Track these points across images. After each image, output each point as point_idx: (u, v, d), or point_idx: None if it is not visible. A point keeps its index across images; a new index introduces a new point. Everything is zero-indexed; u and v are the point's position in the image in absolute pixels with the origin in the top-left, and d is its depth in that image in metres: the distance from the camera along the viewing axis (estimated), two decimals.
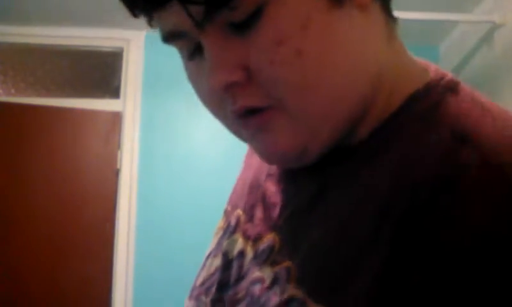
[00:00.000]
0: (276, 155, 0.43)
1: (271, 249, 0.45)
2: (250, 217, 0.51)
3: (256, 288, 0.44)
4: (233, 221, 0.53)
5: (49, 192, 2.65)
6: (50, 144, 2.72)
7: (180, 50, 0.46)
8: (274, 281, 0.42)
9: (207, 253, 0.55)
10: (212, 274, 0.51)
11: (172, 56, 2.98)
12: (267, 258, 0.45)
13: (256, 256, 0.47)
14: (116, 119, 2.83)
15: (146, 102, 2.86)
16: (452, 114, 0.40)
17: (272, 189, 0.51)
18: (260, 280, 0.44)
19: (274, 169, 0.52)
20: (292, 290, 0.40)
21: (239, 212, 0.54)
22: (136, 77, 2.88)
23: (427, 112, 0.41)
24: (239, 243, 0.50)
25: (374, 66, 0.42)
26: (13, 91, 2.97)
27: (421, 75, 0.45)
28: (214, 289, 0.49)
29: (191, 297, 0.52)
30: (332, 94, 0.40)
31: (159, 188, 2.74)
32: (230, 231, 0.53)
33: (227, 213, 0.57)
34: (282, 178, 0.50)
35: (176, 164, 2.79)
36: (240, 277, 0.47)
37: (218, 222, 0.59)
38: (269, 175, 0.52)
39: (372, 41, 0.42)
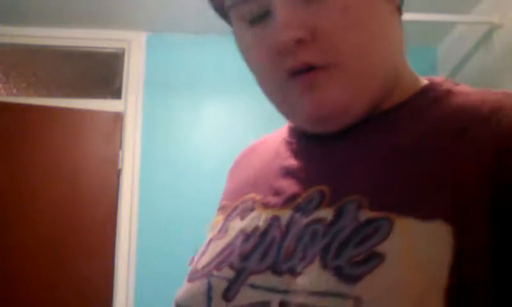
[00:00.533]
0: (321, 111, 0.49)
1: (322, 195, 0.48)
2: (275, 192, 0.53)
3: (316, 228, 0.46)
4: (246, 205, 0.55)
5: (50, 193, 2.66)
6: (52, 145, 2.73)
7: (241, 17, 0.52)
8: (339, 215, 0.45)
9: (207, 240, 0.57)
10: (220, 252, 0.52)
11: (173, 57, 3.02)
12: (318, 205, 0.48)
13: (299, 209, 0.49)
14: (117, 119, 2.84)
15: (147, 102, 2.88)
16: (468, 93, 0.50)
17: (294, 163, 0.55)
18: (317, 221, 0.46)
19: (287, 153, 0.57)
20: (368, 214, 0.43)
21: (252, 195, 0.56)
22: (138, 78, 2.89)
23: (447, 92, 0.51)
24: (266, 214, 0.51)
25: (398, 55, 0.53)
26: (14, 91, 2.98)
27: (417, 78, 0.56)
28: (232, 261, 0.50)
29: (193, 278, 0.53)
30: (379, 61, 0.50)
31: (161, 189, 2.75)
32: (238, 214, 0.55)
33: (225, 207, 0.59)
34: (301, 154, 0.55)
35: (177, 164, 2.80)
36: (284, 236, 0.48)
37: (213, 219, 0.60)
38: (284, 158, 0.57)
39: (397, 37, 0.53)
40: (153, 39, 2.97)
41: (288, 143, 0.59)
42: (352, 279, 0.40)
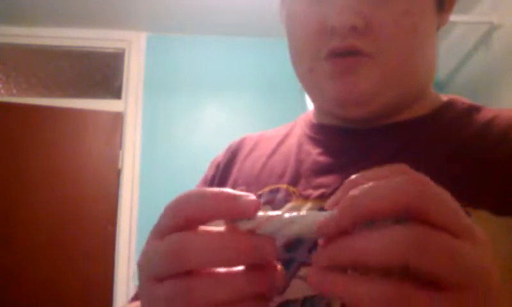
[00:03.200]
0: (352, 94, 0.51)
1: None
2: (316, 185, 0.53)
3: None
4: (276, 195, 0.55)
5: (51, 192, 2.66)
6: (52, 145, 2.73)
7: None
8: None
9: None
10: None
11: (173, 57, 3.02)
12: None
13: None
14: (117, 119, 2.84)
15: (147, 102, 2.88)
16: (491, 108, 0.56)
17: (329, 157, 0.56)
18: None
19: (316, 148, 0.58)
20: None
21: (283, 186, 0.55)
22: (138, 78, 2.90)
23: (470, 107, 0.56)
24: (308, 206, 0.51)
25: (432, 71, 0.57)
26: (14, 91, 2.99)
27: (436, 93, 0.60)
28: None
29: None
30: (414, 69, 0.53)
31: (161, 188, 2.75)
32: (267, 202, 0.54)
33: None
34: (333, 149, 0.57)
35: (177, 164, 2.80)
36: None
37: None
38: (316, 154, 0.57)
39: (435, 52, 0.57)
40: (153, 39, 2.97)
41: (313, 138, 0.59)
42: None
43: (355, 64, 0.51)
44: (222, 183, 0.63)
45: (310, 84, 0.56)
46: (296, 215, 0.32)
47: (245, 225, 0.33)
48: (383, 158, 0.52)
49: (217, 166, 0.68)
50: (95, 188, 2.72)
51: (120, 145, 2.80)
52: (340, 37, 0.50)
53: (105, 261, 2.66)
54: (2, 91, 2.97)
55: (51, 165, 2.69)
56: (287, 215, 0.32)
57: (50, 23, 2.85)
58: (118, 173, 2.77)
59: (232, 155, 0.67)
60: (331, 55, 0.51)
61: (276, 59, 2.88)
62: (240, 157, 0.65)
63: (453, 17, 2.28)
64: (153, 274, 0.33)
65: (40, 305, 2.52)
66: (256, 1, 2.64)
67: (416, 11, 0.51)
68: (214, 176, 0.67)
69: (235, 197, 0.32)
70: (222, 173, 0.65)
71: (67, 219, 2.64)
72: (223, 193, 0.32)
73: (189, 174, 2.92)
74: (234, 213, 0.32)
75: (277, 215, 0.33)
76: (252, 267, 0.32)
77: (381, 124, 0.55)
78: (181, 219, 0.33)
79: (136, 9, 2.76)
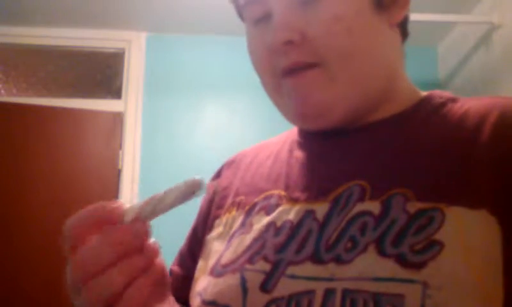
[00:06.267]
0: (305, 109, 0.54)
1: (362, 189, 0.50)
2: (303, 188, 0.55)
3: (365, 220, 0.48)
4: (270, 201, 0.57)
5: (51, 192, 2.66)
6: (52, 145, 2.73)
7: (249, 17, 0.58)
8: (387, 208, 0.48)
9: (229, 235, 0.58)
10: (250, 246, 0.53)
11: (173, 57, 3.02)
12: (360, 198, 0.50)
13: (338, 202, 0.51)
14: (117, 119, 2.84)
15: (147, 102, 2.88)
16: (473, 98, 0.55)
17: (315, 160, 0.58)
18: (364, 213, 0.48)
19: (304, 152, 0.60)
20: (418, 205, 0.46)
21: (276, 192, 0.57)
22: (138, 78, 2.90)
23: (452, 98, 0.56)
24: (296, 208, 0.53)
25: (392, 68, 0.57)
26: (14, 91, 2.99)
27: (416, 90, 0.60)
28: (266, 254, 0.51)
29: (220, 273, 0.53)
30: (364, 70, 0.53)
31: (161, 188, 2.72)
32: (262, 209, 0.56)
33: (241, 203, 0.60)
34: (319, 152, 0.58)
35: (177, 164, 2.81)
36: (323, 227, 0.50)
37: (226, 216, 0.61)
38: (304, 158, 0.60)
39: (392, 50, 0.57)
40: (153, 39, 2.98)
41: (302, 144, 0.61)
42: (417, 266, 0.43)
43: (304, 77, 0.52)
44: (226, 196, 0.65)
45: (277, 104, 0.59)
46: (164, 191, 0.42)
47: (128, 216, 0.42)
48: (361, 159, 0.54)
49: (218, 184, 0.68)
50: (95, 188, 2.73)
51: (120, 145, 2.80)
52: (285, 55, 0.52)
53: None
54: (2, 91, 2.97)
55: (51, 165, 2.69)
56: (158, 194, 0.42)
57: (50, 23, 2.85)
58: (118, 173, 2.77)
59: (235, 168, 0.68)
60: (284, 75, 0.54)
61: None
62: (242, 168, 0.67)
63: (453, 17, 2.27)
64: (74, 288, 0.44)
65: (40, 305, 2.52)
66: None
67: (347, 14, 0.51)
68: (214, 193, 0.67)
69: (102, 207, 0.41)
70: (224, 190, 0.66)
71: (67, 218, 2.64)
72: (93, 208, 0.42)
73: (189, 174, 2.91)
74: (106, 219, 0.41)
75: (150, 197, 0.43)
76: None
77: (359, 124, 0.56)
78: (73, 239, 0.45)
79: (136, 9, 2.76)
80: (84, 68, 3.07)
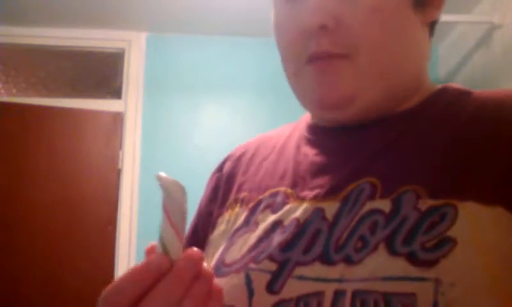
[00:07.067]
0: (329, 98, 0.52)
1: (373, 187, 0.49)
2: (312, 186, 0.53)
3: (376, 219, 0.47)
4: (276, 198, 0.55)
5: (51, 193, 2.66)
6: (52, 145, 2.74)
7: None
8: (398, 205, 0.47)
9: (231, 233, 0.57)
10: (255, 245, 0.52)
11: (173, 57, 3.02)
12: (371, 196, 0.49)
13: (348, 201, 0.49)
14: (117, 119, 2.84)
15: (147, 102, 2.88)
16: (487, 90, 0.55)
17: (324, 157, 0.56)
18: (374, 212, 0.47)
19: (313, 149, 0.58)
20: (430, 202, 0.45)
21: (282, 189, 0.56)
22: (138, 78, 2.90)
23: (467, 91, 0.56)
24: (304, 207, 0.52)
25: (419, 67, 0.57)
26: (14, 91, 2.99)
27: (433, 85, 0.59)
28: (272, 253, 0.50)
29: (224, 273, 0.52)
30: (393, 65, 0.53)
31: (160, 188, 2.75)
32: (267, 206, 0.55)
33: (246, 199, 0.59)
34: (328, 149, 0.57)
35: (177, 163, 2.80)
36: (332, 227, 0.48)
37: (229, 212, 0.60)
38: (313, 155, 0.58)
39: (421, 49, 0.57)
40: (153, 39, 2.98)
41: (310, 140, 0.60)
42: (428, 263, 0.42)
43: (332, 66, 0.52)
44: (228, 191, 0.63)
45: (296, 89, 0.57)
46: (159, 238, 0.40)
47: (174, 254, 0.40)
48: (371, 155, 0.52)
49: (219, 179, 0.67)
50: (95, 188, 2.73)
51: (120, 145, 2.80)
52: (315, 40, 0.51)
53: (105, 261, 2.66)
54: (2, 91, 2.97)
55: (51, 165, 2.69)
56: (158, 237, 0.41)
57: (50, 23, 2.85)
58: (118, 173, 2.77)
59: (237, 161, 0.66)
60: (310, 60, 0.52)
61: (276, 59, 2.85)
62: (243, 162, 0.65)
63: (453, 17, 2.26)
64: None
65: (40, 305, 2.52)
66: (256, 1, 2.64)
67: (385, 8, 0.51)
68: (216, 188, 0.66)
69: (148, 269, 0.39)
70: (226, 184, 0.64)
71: (67, 218, 2.64)
72: (138, 277, 0.39)
73: (189, 174, 2.92)
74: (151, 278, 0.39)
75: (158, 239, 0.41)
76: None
77: (372, 119, 0.55)
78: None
79: (136, 9, 2.76)
80: (84, 68, 3.07)
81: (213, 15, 2.76)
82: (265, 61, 2.97)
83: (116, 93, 2.95)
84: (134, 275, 0.38)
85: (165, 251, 0.39)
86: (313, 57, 0.52)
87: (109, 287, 0.39)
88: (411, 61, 0.55)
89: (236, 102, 2.94)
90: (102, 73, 3.07)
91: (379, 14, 0.51)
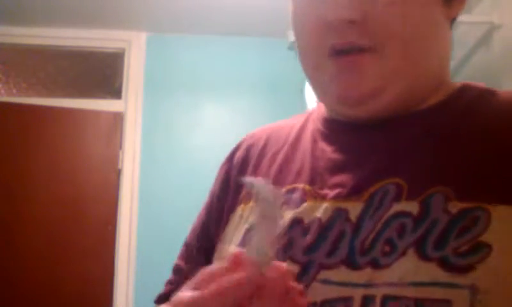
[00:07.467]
0: (353, 93, 0.50)
1: (399, 188, 0.47)
2: (332, 185, 0.51)
3: (404, 221, 0.45)
4: (292, 195, 0.53)
5: (51, 193, 2.66)
6: (52, 145, 2.73)
7: None
8: (426, 208, 0.45)
9: (243, 230, 0.55)
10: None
11: (173, 57, 3.02)
12: (397, 198, 0.47)
13: (372, 202, 0.48)
14: (117, 119, 2.84)
15: (147, 102, 2.88)
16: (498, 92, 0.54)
17: (343, 155, 0.54)
18: (401, 214, 0.46)
19: (330, 145, 0.56)
20: (459, 205, 0.44)
21: (300, 185, 0.54)
22: (138, 78, 2.90)
23: (488, 90, 0.54)
24: (325, 206, 0.50)
25: (443, 63, 0.56)
26: (14, 91, 2.99)
27: (453, 83, 0.58)
28: (294, 254, 0.48)
29: None
30: (420, 60, 0.51)
31: (161, 188, 2.75)
32: (284, 202, 0.53)
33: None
34: (347, 146, 0.54)
35: (177, 164, 2.81)
36: (357, 229, 0.47)
37: (241, 207, 0.58)
38: (330, 151, 0.55)
39: (445, 43, 0.56)
40: (153, 39, 2.97)
41: (327, 135, 0.57)
42: (462, 269, 0.40)
43: (357, 62, 0.50)
44: (239, 185, 0.60)
45: (315, 83, 0.55)
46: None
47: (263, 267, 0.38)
48: (395, 154, 0.51)
49: (229, 169, 0.64)
50: (95, 188, 2.73)
51: (120, 145, 2.80)
52: (339, 33, 0.49)
53: (105, 261, 2.66)
54: (2, 91, 2.97)
55: (51, 165, 2.69)
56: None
57: (50, 23, 2.85)
58: (118, 173, 2.77)
59: (246, 153, 0.63)
60: (333, 53, 0.50)
61: (276, 59, 2.88)
62: (254, 154, 0.62)
63: None
64: None
65: (40, 305, 2.52)
66: (256, 1, 2.64)
67: (416, 2, 0.50)
68: (227, 180, 0.63)
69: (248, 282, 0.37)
70: (237, 176, 0.61)
71: (67, 218, 2.64)
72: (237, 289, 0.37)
73: (188, 174, 2.93)
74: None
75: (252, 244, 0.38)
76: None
77: (393, 116, 0.52)
78: None
79: (136, 9, 2.76)
80: (84, 68, 3.07)
81: (213, 15, 2.76)
82: (265, 61, 2.97)
83: (116, 93, 2.95)
84: (232, 289, 0.36)
85: (259, 260, 0.37)
86: (337, 50, 0.50)
87: (197, 298, 0.37)
88: (436, 56, 0.54)
89: (236, 101, 2.94)
90: (102, 73, 3.07)
91: (408, 7, 0.49)
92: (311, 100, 2.04)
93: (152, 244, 2.66)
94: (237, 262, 0.38)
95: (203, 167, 2.96)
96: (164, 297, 0.63)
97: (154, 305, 0.63)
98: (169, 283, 0.65)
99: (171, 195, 2.73)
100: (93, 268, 2.61)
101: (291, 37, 3.16)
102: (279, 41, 2.97)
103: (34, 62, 3.04)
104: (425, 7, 0.51)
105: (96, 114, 2.83)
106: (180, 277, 0.63)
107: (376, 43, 0.49)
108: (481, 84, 0.56)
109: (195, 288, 0.38)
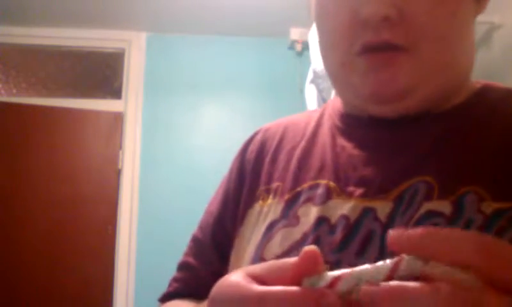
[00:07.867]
0: (387, 90, 0.49)
1: (429, 186, 0.46)
2: (358, 182, 0.50)
3: (437, 222, 0.44)
4: (317, 191, 0.52)
5: (51, 192, 2.66)
6: (52, 144, 2.74)
7: None
8: (459, 208, 0.44)
9: (264, 227, 0.52)
10: (301, 241, 0.48)
11: (173, 57, 3.01)
12: (427, 197, 0.45)
13: (402, 201, 0.46)
14: (117, 119, 2.84)
15: (147, 102, 2.88)
16: None
17: (366, 152, 0.52)
18: (433, 214, 0.44)
19: (350, 142, 0.54)
20: (494, 205, 0.42)
21: (323, 182, 0.52)
22: (138, 78, 2.90)
23: (507, 92, 0.54)
24: (352, 204, 0.48)
25: (472, 59, 0.55)
26: (14, 91, 2.99)
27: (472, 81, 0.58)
28: (322, 253, 0.45)
29: None
30: (454, 58, 0.51)
31: (161, 188, 2.75)
32: (308, 199, 0.52)
33: (279, 190, 0.55)
34: (369, 142, 0.53)
35: (177, 163, 2.81)
36: (388, 226, 0.45)
37: (259, 203, 0.56)
38: (351, 147, 0.54)
39: (473, 42, 0.55)
40: (153, 39, 2.98)
41: (345, 131, 0.56)
42: None
43: (391, 59, 0.48)
44: (256, 180, 0.58)
45: (341, 79, 0.53)
46: (362, 269, 0.30)
47: (316, 284, 0.32)
48: (423, 152, 0.49)
49: (243, 163, 0.62)
50: (95, 188, 2.73)
51: (120, 145, 2.80)
52: (373, 30, 0.47)
53: (105, 261, 2.66)
54: (2, 91, 2.97)
55: (51, 165, 2.69)
56: (356, 270, 0.30)
57: (50, 23, 2.85)
58: (118, 173, 2.77)
59: (261, 146, 0.61)
60: (364, 50, 0.48)
61: (276, 59, 2.88)
62: (269, 148, 0.60)
63: None
64: None
65: (40, 305, 2.52)
66: (256, 1, 2.64)
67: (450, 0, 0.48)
68: (242, 175, 0.61)
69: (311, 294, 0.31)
70: (253, 171, 0.60)
71: (67, 219, 2.64)
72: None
73: (188, 174, 2.93)
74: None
75: (347, 273, 0.31)
76: None
77: (418, 114, 0.51)
78: None
79: (136, 9, 2.76)
80: (84, 68, 3.07)
81: (213, 15, 2.76)
82: (265, 61, 2.97)
83: (116, 93, 2.95)
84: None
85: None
86: (370, 48, 0.48)
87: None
88: (469, 53, 0.53)
89: (236, 101, 2.94)
90: (102, 73, 3.07)
91: (446, 6, 0.48)
92: (311, 100, 2.04)
93: (151, 244, 2.67)
94: (310, 261, 0.33)
95: (203, 167, 2.97)
96: (169, 296, 0.62)
97: (158, 304, 0.62)
98: (175, 280, 0.64)
99: (171, 195, 2.73)
100: (93, 268, 2.61)
101: (293, 35, 3.12)
102: (279, 41, 2.97)
103: (34, 62, 3.04)
104: (460, 5, 0.49)
105: (96, 114, 2.83)
106: (190, 273, 0.61)
107: (410, 42, 0.47)
108: (500, 84, 0.55)
109: (262, 282, 0.32)
